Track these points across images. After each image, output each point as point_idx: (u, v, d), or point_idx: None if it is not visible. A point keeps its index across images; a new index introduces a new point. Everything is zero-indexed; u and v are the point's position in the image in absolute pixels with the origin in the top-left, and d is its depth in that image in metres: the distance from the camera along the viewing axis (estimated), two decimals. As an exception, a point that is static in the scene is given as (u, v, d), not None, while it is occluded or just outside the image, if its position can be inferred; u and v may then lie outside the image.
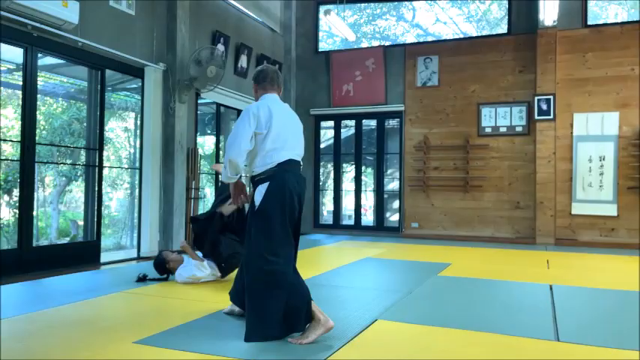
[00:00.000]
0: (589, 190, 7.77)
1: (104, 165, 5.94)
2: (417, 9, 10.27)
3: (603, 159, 7.71)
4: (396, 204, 9.54)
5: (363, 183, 10.19)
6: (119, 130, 7.61)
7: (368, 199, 10.16)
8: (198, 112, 7.50)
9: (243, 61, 8.06)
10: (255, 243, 2.81)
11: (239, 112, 8.23)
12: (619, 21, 8.32)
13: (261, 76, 3.16)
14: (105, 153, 6.44)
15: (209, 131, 9.18)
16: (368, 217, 10.20)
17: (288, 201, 2.83)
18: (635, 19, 8.24)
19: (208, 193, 8.16)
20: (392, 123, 9.59)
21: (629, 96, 7.67)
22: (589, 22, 8.11)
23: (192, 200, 6.87)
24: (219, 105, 7.71)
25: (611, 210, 7.66)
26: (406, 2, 10.10)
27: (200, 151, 7.83)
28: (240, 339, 2.73)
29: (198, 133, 7.76)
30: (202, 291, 4.07)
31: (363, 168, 11.87)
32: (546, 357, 2.57)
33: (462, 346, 2.72)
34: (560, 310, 3.50)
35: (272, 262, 2.74)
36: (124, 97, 7.24)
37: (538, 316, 3.36)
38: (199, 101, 7.32)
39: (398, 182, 9.26)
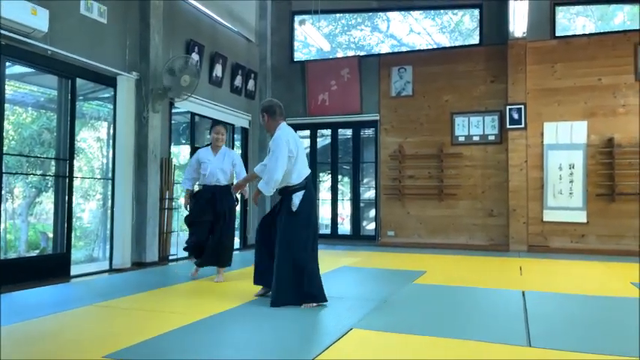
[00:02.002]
0: (559, 197, 7.94)
1: (75, 175, 5.83)
2: (392, 20, 10.41)
3: (573, 167, 7.90)
4: (372, 213, 9.59)
5: (339, 192, 10.22)
6: (91, 140, 7.48)
7: (345, 208, 10.19)
8: (173, 121, 7.42)
9: (218, 70, 8.02)
10: (291, 235, 3.81)
11: (214, 121, 8.17)
12: (586, 32, 8.59)
13: (273, 109, 4.21)
14: (77, 163, 6.32)
15: (184, 141, 9.10)
16: (345, 226, 10.22)
17: (315, 204, 4.05)
18: (601, 31, 8.52)
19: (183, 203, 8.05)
20: (367, 132, 9.66)
21: (596, 105, 7.89)
22: (557, 34, 8.34)
23: (166, 211, 6.77)
24: (193, 114, 7.65)
25: (581, 217, 7.84)
26: (380, 13, 10.22)
27: (175, 161, 7.74)
28: (213, 351, 2.70)
29: (173, 143, 7.67)
30: (176, 303, 4.01)
31: (340, 177, 11.90)
32: (518, 362, 2.60)
33: (436, 354, 2.73)
34: (531, 316, 3.55)
35: (302, 252, 3.80)
36: (96, 107, 7.13)
37: (510, 322, 3.41)
38: (173, 110, 7.25)
39: (374, 191, 9.31)
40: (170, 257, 6.85)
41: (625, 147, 7.67)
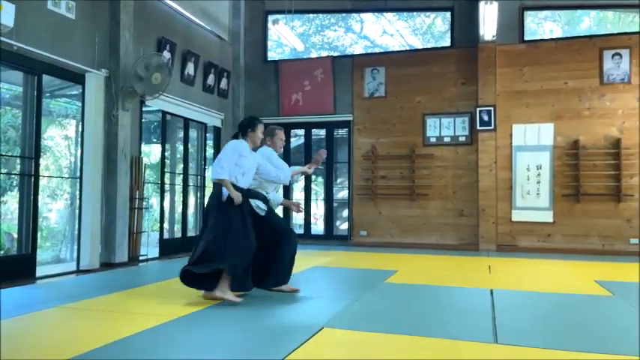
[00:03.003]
0: (527, 197, 8.13)
1: (42, 174, 5.69)
2: (365, 21, 10.48)
3: (540, 168, 8.09)
4: (345, 213, 9.63)
5: (313, 192, 10.23)
6: (59, 138, 7.31)
7: (318, 208, 10.20)
8: (144, 119, 7.32)
9: (190, 68, 7.94)
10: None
11: (186, 120, 8.10)
12: (554, 37, 8.81)
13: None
14: (43, 162, 6.18)
15: (155, 140, 8.97)
16: (318, 226, 10.24)
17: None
18: (568, 36, 8.75)
19: (155, 203, 7.95)
20: (341, 132, 9.69)
21: (562, 108, 8.10)
22: (526, 38, 8.53)
23: (137, 210, 6.67)
24: (165, 113, 7.55)
25: (548, 217, 8.04)
26: (354, 14, 10.28)
27: (146, 160, 7.63)
28: (181, 352, 2.67)
29: (144, 142, 7.56)
30: (146, 304, 3.95)
31: (313, 177, 11.92)
32: (484, 359, 2.65)
33: (406, 352, 2.76)
34: (499, 314, 3.63)
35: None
36: (64, 104, 6.97)
37: (479, 319, 3.47)
38: (144, 109, 7.14)
39: (347, 191, 9.36)
40: (140, 258, 6.75)
41: (590, 149, 7.90)
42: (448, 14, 9.06)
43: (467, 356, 2.69)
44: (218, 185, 3.98)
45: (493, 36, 8.03)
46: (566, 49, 8.19)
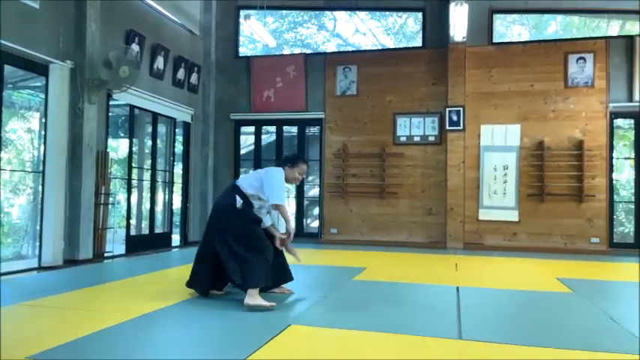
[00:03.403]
0: (494, 197, 8.29)
1: (3, 168, 5.50)
2: (338, 19, 10.51)
3: (507, 168, 8.27)
4: (316, 210, 9.64)
5: (285, 189, 10.19)
6: (21, 131, 7.09)
7: (289, 206, 10.18)
8: (111, 113, 7.16)
9: (159, 62, 7.81)
10: None
11: (154, 114, 7.96)
12: (521, 40, 8.99)
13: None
14: (5, 156, 5.98)
15: (122, 134, 8.80)
16: (289, 224, 10.20)
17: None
18: (535, 39, 8.96)
19: (122, 199, 7.79)
20: (312, 130, 9.70)
21: (529, 110, 8.29)
22: (495, 40, 8.69)
23: (102, 206, 6.53)
24: (133, 107, 7.41)
25: (513, 216, 8.22)
26: (327, 12, 10.29)
27: (114, 155, 7.48)
28: (143, 351, 2.63)
29: (110, 136, 7.40)
30: (109, 301, 3.88)
31: (285, 174, 11.89)
32: (448, 354, 2.70)
33: (372, 348, 2.78)
34: (464, 310, 3.69)
35: None
36: (27, 96, 6.75)
37: (444, 316, 3.52)
38: (111, 102, 6.99)
39: (318, 189, 9.36)
40: (106, 254, 6.61)
41: (554, 150, 8.11)
42: (420, 15, 9.15)
43: (431, 352, 2.73)
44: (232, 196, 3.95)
45: (463, 37, 8.15)
46: (533, 52, 8.38)
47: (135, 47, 7.03)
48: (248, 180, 4.12)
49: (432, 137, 8.65)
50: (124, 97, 6.96)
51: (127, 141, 7.71)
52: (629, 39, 8.08)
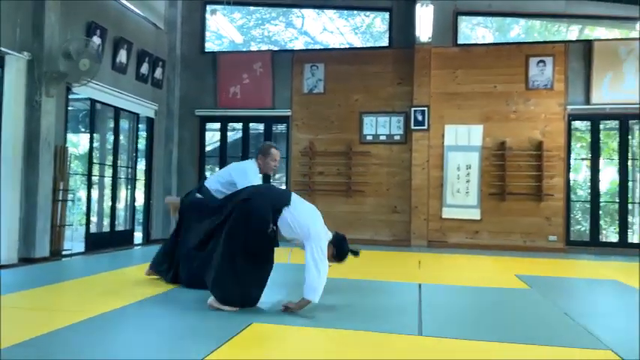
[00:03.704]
0: (457, 195, 8.45)
1: (-48, 162, 5.27)
2: (306, 17, 10.50)
3: (469, 167, 8.43)
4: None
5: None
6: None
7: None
8: (71, 107, 6.96)
9: (122, 56, 7.62)
10: None
11: (116, 109, 7.78)
12: (485, 42, 9.18)
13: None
14: (-46, 149, 5.72)
15: (83, 129, 8.57)
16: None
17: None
18: (498, 42, 9.16)
19: (83, 196, 7.58)
20: (279, 128, 9.65)
21: (491, 111, 8.47)
22: (459, 42, 8.84)
23: (60, 203, 6.33)
24: (94, 101, 7.21)
25: (476, 214, 8.39)
26: (295, 9, 10.26)
27: (74, 151, 7.27)
28: (98, 351, 2.56)
29: (70, 131, 7.20)
30: (65, 301, 3.76)
31: (251, 172, 11.81)
32: (409, 350, 2.73)
33: (333, 345, 2.79)
34: (425, 307, 3.74)
35: None
36: (-20, 88, 6.48)
37: (405, 313, 3.56)
38: (71, 96, 6.79)
39: (285, 187, 9.32)
40: (64, 252, 6.42)
41: (515, 150, 8.31)
42: (387, 15, 9.22)
43: (392, 348, 2.75)
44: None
45: (429, 38, 8.26)
46: (496, 54, 8.56)
47: (96, 40, 6.84)
48: (216, 179, 4.27)
49: (398, 136, 8.74)
50: (85, 90, 6.76)
51: (87, 136, 7.49)
52: (588, 43, 8.35)
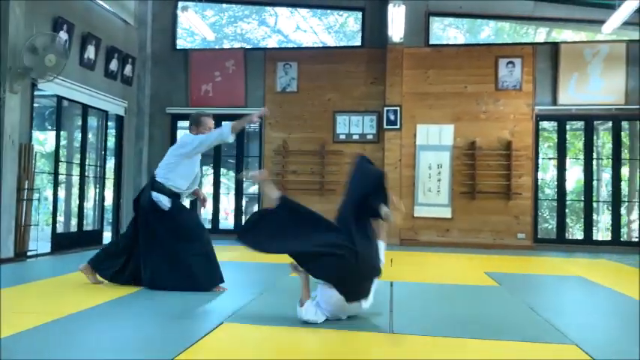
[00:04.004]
0: (429, 194, 8.55)
1: None
2: (279, 15, 10.45)
3: (440, 167, 8.54)
4: (256, 207, 9.55)
5: (223, 186, 10.03)
6: None
7: (230, 203, 10.04)
8: (36, 104, 6.78)
9: (90, 52, 7.45)
10: None
11: (84, 106, 7.60)
12: (456, 43, 9.31)
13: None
14: None
15: (49, 127, 8.35)
16: (229, 221, 10.08)
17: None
18: (469, 43, 9.30)
19: (50, 195, 7.39)
20: (252, 126, 9.59)
21: (462, 111, 8.59)
22: (431, 42, 8.94)
23: (25, 202, 6.15)
24: (61, 98, 7.03)
25: (446, 213, 8.51)
26: (268, 7, 10.20)
27: (41, 149, 7.07)
28: (65, 352, 2.50)
29: (36, 129, 7.01)
30: (31, 302, 3.66)
31: (224, 171, 11.70)
32: (380, 348, 2.75)
33: (304, 344, 2.79)
34: (396, 305, 3.77)
35: None
36: (-60, 83, 6.25)
37: (377, 310, 3.57)
38: (37, 93, 6.61)
39: (257, 186, 9.27)
40: (29, 253, 6.24)
41: (485, 150, 8.46)
42: (360, 14, 9.26)
43: (363, 346, 2.77)
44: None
45: (401, 38, 8.32)
46: (467, 55, 8.70)
47: (63, 35, 6.67)
48: (164, 164, 4.23)
49: (371, 136, 8.80)
50: (51, 87, 6.59)
51: (54, 134, 7.30)
52: (555, 46, 8.55)
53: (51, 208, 7.20)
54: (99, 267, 4.31)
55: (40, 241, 6.63)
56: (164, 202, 4.13)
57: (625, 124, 8.71)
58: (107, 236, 8.38)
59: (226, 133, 4.08)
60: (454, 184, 8.52)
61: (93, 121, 8.16)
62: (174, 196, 4.22)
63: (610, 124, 8.64)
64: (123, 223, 8.54)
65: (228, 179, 12.05)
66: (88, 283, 4.37)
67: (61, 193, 7.68)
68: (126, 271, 4.22)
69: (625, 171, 8.91)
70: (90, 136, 8.03)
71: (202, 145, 4.20)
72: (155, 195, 4.13)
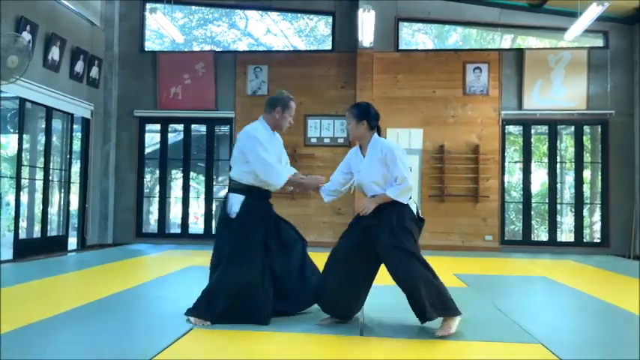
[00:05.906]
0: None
1: None
2: (250, 18, 10.42)
3: (410, 170, 8.60)
4: (225, 211, 9.44)
5: (193, 190, 9.91)
6: None
7: (200, 207, 9.92)
8: (-3, 106, 6.56)
9: (54, 53, 7.27)
10: None
11: (48, 108, 7.41)
12: (425, 48, 9.45)
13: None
14: None
15: (12, 129, 8.10)
16: (198, 226, 9.96)
17: None
18: (437, 48, 9.45)
19: (12, 200, 7.16)
20: (223, 129, 9.52)
21: (431, 115, 8.72)
22: (400, 47, 9.05)
23: (-14, 207, 5.95)
24: (23, 100, 6.83)
25: (416, 215, 8.59)
26: (238, 10, 10.16)
27: (2, 152, 6.85)
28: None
29: (-3, 131, 6.79)
30: None
31: (194, 175, 11.57)
32: (349, 352, 2.76)
33: (274, 348, 2.78)
34: (366, 308, 3.78)
35: None
36: None
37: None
38: (-2, 94, 6.41)
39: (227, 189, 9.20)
40: (-11, 260, 6.03)
41: (453, 153, 8.60)
42: (330, 18, 9.30)
43: (333, 350, 2.78)
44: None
45: (371, 43, 8.40)
46: (435, 60, 8.84)
47: (26, 36, 6.49)
48: (235, 166, 3.53)
49: (342, 139, 8.84)
50: (13, 89, 6.40)
51: (16, 137, 7.08)
52: (520, 52, 8.77)
53: (13, 213, 6.97)
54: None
55: (1, 247, 6.43)
56: None
57: (587, 129, 8.99)
58: (72, 242, 8.17)
59: (283, 180, 3.60)
60: (423, 187, 8.63)
61: (57, 124, 7.95)
62: None
63: (572, 128, 8.92)
64: (89, 228, 8.35)
65: (197, 183, 11.92)
66: (54, 290, 4.26)
67: (24, 197, 7.46)
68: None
69: (587, 174, 9.19)
70: (54, 139, 7.82)
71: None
72: None
